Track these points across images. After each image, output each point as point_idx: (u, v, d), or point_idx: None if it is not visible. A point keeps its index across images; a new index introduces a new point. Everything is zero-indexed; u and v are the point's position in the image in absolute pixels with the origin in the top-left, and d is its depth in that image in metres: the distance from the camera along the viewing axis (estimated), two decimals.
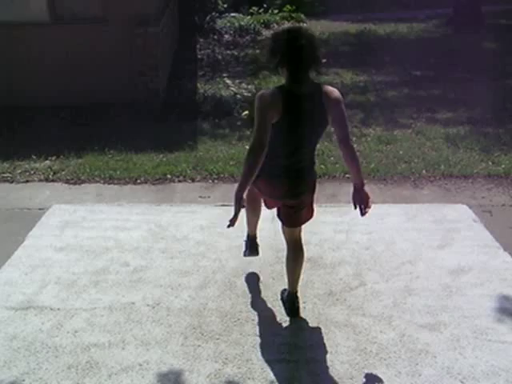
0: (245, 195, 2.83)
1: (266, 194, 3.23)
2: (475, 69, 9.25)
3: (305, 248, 3.33)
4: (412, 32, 13.53)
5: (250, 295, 3.61)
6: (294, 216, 3.20)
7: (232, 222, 2.82)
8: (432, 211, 4.73)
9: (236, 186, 2.83)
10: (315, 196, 3.29)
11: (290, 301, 3.40)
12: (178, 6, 12.77)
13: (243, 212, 3.01)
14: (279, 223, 3.31)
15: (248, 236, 3.75)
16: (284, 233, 3.31)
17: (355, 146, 6.18)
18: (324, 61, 2.96)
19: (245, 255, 3.79)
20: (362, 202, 2.96)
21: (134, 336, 3.24)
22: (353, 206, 3.00)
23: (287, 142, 2.95)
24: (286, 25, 14.82)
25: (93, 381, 2.92)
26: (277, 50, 2.81)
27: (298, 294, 3.42)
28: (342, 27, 14.35)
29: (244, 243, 3.81)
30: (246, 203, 3.15)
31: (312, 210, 3.28)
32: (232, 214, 2.79)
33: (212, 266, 3.95)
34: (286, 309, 3.42)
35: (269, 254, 4.02)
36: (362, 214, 2.98)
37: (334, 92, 2.94)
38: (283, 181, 3.05)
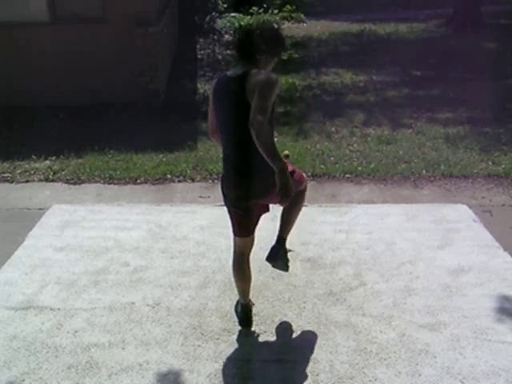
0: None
1: (230, 199, 3.02)
2: (475, 69, 9.25)
3: (305, 248, 3.32)
4: (412, 32, 13.53)
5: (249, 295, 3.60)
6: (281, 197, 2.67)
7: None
8: (432, 211, 4.73)
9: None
10: (318, 197, 3.21)
11: (241, 311, 3.27)
12: (178, 6, 12.76)
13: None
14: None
15: (238, 304, 3.37)
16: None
17: (355, 146, 6.30)
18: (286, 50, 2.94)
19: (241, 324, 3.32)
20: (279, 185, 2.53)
21: (133, 336, 3.24)
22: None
23: (220, 127, 2.98)
24: (286, 25, 14.88)
25: (93, 381, 2.92)
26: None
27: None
28: (342, 27, 14.35)
29: (235, 312, 3.41)
30: (233, 270, 3.20)
31: (299, 178, 3.07)
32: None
33: (212, 266, 3.95)
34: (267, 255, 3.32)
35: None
36: (280, 200, 2.56)
37: (257, 75, 2.73)
38: (231, 176, 2.97)
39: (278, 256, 3.31)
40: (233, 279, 3.26)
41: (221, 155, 6.11)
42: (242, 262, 3.17)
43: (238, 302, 3.39)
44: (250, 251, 3.18)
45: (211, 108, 3.01)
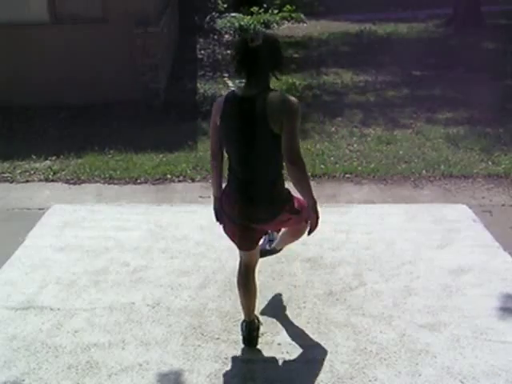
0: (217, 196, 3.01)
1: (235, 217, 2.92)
2: (475, 69, 9.25)
3: (305, 248, 3.32)
4: (412, 32, 13.53)
5: None
6: (244, 236, 2.92)
7: (217, 218, 3.05)
8: (432, 211, 4.73)
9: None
10: (318, 197, 3.15)
11: (245, 330, 3.12)
12: (178, 6, 12.77)
13: None
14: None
15: (243, 322, 3.19)
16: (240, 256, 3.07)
17: (355, 146, 6.30)
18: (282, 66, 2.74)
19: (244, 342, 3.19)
20: (311, 219, 2.76)
21: (133, 336, 3.24)
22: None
23: (230, 150, 2.81)
24: (286, 25, 14.87)
25: (93, 381, 2.92)
26: (235, 56, 2.69)
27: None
28: (341, 27, 14.35)
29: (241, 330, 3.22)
30: (237, 284, 3.09)
31: (299, 227, 3.01)
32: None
33: (212, 266, 3.95)
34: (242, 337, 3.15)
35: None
36: (308, 232, 2.80)
37: (286, 102, 2.62)
38: (236, 198, 2.84)
39: (255, 338, 3.15)
40: (234, 278, 3.25)
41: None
42: (247, 276, 3.04)
43: (243, 320, 3.19)
44: (255, 264, 3.09)
45: (214, 128, 2.79)
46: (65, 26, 7.65)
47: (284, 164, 2.69)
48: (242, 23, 13.82)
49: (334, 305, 3.51)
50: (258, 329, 3.16)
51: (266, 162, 2.75)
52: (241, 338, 3.18)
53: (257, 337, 3.15)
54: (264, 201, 2.80)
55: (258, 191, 2.79)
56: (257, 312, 3.40)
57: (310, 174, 5.35)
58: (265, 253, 3.39)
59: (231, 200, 2.87)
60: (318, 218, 2.76)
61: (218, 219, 3.08)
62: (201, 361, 3.05)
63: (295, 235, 3.26)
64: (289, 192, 2.92)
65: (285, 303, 3.54)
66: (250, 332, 3.13)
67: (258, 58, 2.58)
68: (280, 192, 2.86)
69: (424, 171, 5.61)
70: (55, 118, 7.22)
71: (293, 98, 2.66)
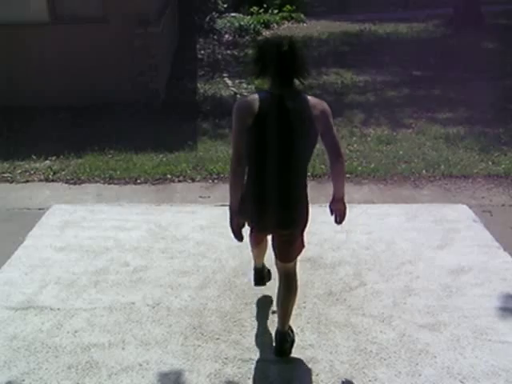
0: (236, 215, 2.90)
1: (255, 223, 2.98)
2: (475, 69, 9.26)
3: (305, 248, 3.31)
4: (412, 32, 13.53)
5: (249, 295, 3.60)
6: (287, 249, 2.96)
7: (236, 236, 2.91)
8: (432, 211, 4.73)
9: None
10: (318, 197, 3.21)
11: (278, 340, 3.07)
12: (178, 6, 12.77)
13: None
14: (277, 316, 3.13)
15: (254, 268, 3.51)
16: (276, 264, 3.07)
17: (355, 146, 6.30)
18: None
19: (254, 284, 3.55)
20: (338, 211, 3.05)
21: (133, 336, 3.24)
22: (329, 212, 3.06)
23: (265, 153, 2.73)
24: (286, 25, 14.88)
25: (93, 381, 2.92)
26: (260, 59, 2.71)
27: (293, 329, 3.17)
28: (341, 27, 14.36)
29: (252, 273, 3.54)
30: (251, 243, 3.26)
31: (302, 242, 3.03)
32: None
33: (212, 266, 3.95)
34: (274, 347, 3.11)
35: (269, 254, 4.01)
36: (337, 221, 3.08)
37: (321, 103, 2.75)
38: (267, 205, 2.81)
39: (288, 350, 3.09)
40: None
41: (220, 155, 6.08)
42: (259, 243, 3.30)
43: (254, 267, 3.51)
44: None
45: (242, 130, 2.69)
46: (65, 25, 7.65)
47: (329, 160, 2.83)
48: (242, 23, 13.82)
49: (334, 305, 3.51)
50: (265, 270, 3.50)
51: (302, 163, 2.84)
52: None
53: (264, 277, 3.50)
54: (296, 203, 2.87)
55: (291, 193, 2.83)
56: (257, 312, 3.41)
57: (309, 174, 5.37)
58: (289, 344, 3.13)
59: (264, 207, 2.83)
60: (345, 208, 3.03)
61: (237, 236, 2.92)
62: (201, 361, 3.05)
63: (291, 293, 3.05)
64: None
65: None
66: (283, 343, 3.06)
67: (288, 62, 2.66)
68: (306, 199, 2.92)
69: (424, 171, 5.61)
70: (55, 118, 7.22)
71: (323, 101, 2.79)
